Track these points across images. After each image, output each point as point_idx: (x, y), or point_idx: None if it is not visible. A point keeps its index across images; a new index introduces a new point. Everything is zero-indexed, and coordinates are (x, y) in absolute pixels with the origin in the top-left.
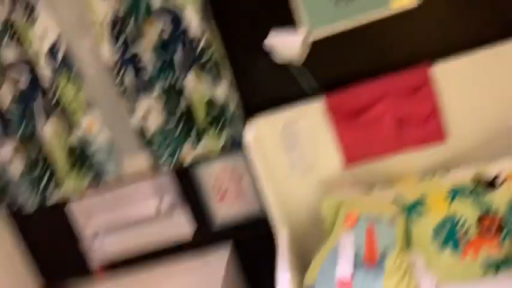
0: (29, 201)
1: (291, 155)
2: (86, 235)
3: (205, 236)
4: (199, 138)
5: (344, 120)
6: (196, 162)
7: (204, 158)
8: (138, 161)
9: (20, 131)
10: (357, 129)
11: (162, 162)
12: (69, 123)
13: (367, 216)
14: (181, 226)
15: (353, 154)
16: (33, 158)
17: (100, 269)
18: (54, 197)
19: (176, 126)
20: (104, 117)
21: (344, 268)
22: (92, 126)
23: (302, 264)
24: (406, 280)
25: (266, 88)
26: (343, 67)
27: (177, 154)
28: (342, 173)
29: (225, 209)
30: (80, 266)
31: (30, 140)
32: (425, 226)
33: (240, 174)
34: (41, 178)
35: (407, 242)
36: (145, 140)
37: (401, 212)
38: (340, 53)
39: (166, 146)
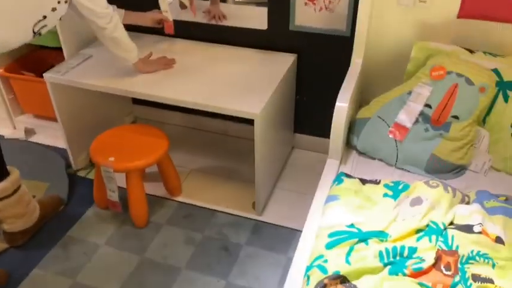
0: None
1: None
2: None
3: (279, 34)
4: None
5: None
6: None
7: None
8: None
9: None
10: None
11: None
12: None
13: (458, 74)
14: (259, 18)
15: (472, 7)
16: None
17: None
18: None
19: None
20: None
21: (407, 115)
22: None
23: (362, 98)
24: (463, 151)
25: None
26: None
27: None
28: (451, 24)
29: (308, 15)
30: None
31: None
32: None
33: None
34: None
35: (484, 117)
36: None
37: (495, 84)
38: None
39: None
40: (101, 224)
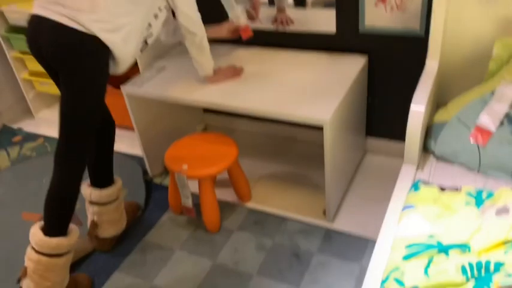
0: None
1: None
2: None
3: (348, 36)
4: None
5: None
6: None
7: None
8: None
9: None
10: None
11: None
12: None
13: None
14: (328, 21)
15: None
16: None
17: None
18: None
19: None
20: None
21: (490, 117)
22: None
23: (438, 99)
24: None
25: None
26: None
27: None
28: None
29: (379, 15)
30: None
31: None
32: None
33: None
34: None
35: None
36: None
37: None
38: None
39: None
40: (175, 229)
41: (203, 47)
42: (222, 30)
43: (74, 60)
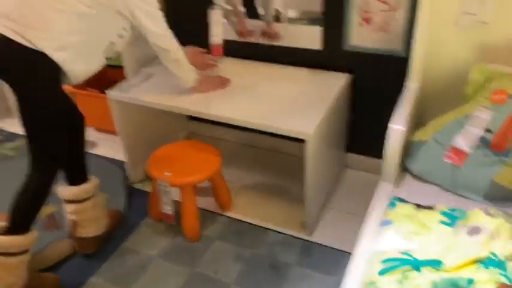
0: None
1: (465, 1)
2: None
3: (333, 54)
4: None
5: None
6: None
7: None
8: None
9: None
10: None
11: None
12: None
13: None
14: (312, 37)
15: None
16: None
17: (217, 48)
18: None
19: None
20: None
21: (466, 140)
22: None
23: (417, 120)
24: None
25: None
26: None
27: None
28: None
29: (363, 35)
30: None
31: None
32: None
33: (396, 3)
34: None
35: None
36: None
37: None
38: None
39: None
40: (154, 236)
41: (179, 61)
42: (196, 62)
43: (17, 73)
